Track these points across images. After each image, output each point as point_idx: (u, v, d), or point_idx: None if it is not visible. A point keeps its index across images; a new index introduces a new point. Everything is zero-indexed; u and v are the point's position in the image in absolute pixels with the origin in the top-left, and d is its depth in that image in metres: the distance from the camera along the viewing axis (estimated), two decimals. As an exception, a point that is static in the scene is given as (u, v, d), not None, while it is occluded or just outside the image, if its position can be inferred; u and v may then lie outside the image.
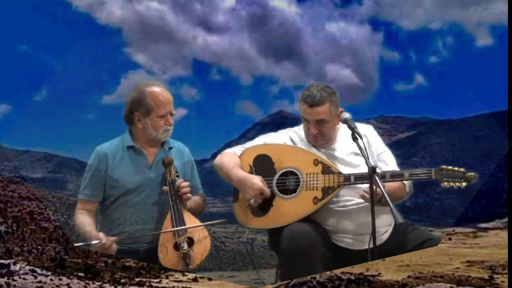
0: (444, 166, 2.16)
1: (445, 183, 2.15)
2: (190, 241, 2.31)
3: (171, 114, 2.44)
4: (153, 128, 2.43)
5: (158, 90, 2.43)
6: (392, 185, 2.24)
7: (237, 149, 2.46)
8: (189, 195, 2.40)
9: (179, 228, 2.32)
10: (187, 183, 2.43)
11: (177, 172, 2.45)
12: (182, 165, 2.54)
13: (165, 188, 2.39)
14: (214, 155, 2.50)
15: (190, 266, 2.27)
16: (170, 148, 2.54)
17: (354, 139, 2.20)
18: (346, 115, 2.30)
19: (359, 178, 2.21)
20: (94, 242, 2.26)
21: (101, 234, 2.29)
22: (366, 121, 2.55)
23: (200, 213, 2.54)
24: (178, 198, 2.39)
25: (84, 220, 2.39)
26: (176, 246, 2.30)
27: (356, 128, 2.23)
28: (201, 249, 2.31)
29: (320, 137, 2.34)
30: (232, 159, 2.40)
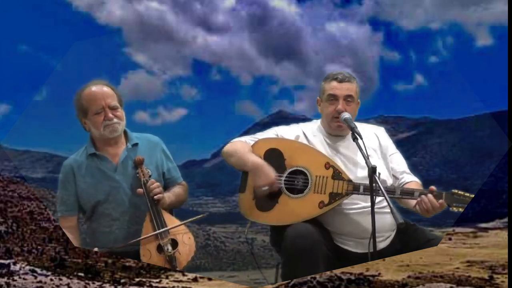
0: (456, 191, 2.12)
1: (454, 208, 2.11)
2: (174, 243, 2.24)
3: (112, 108, 2.32)
4: (94, 127, 2.33)
5: (90, 88, 2.33)
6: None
7: (248, 139, 2.39)
8: (160, 195, 2.29)
9: (161, 230, 2.23)
10: (157, 183, 2.31)
11: (149, 171, 2.33)
12: (154, 159, 2.43)
13: (140, 190, 2.28)
14: (214, 155, 2.49)
15: (177, 269, 2.22)
16: (135, 145, 2.42)
17: (354, 139, 2.19)
18: (346, 115, 2.27)
19: (369, 189, 2.11)
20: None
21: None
22: (366, 121, 2.53)
23: (182, 203, 2.46)
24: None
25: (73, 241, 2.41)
26: (160, 249, 2.22)
27: (356, 128, 2.20)
28: (186, 250, 2.24)
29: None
30: (246, 146, 2.34)
